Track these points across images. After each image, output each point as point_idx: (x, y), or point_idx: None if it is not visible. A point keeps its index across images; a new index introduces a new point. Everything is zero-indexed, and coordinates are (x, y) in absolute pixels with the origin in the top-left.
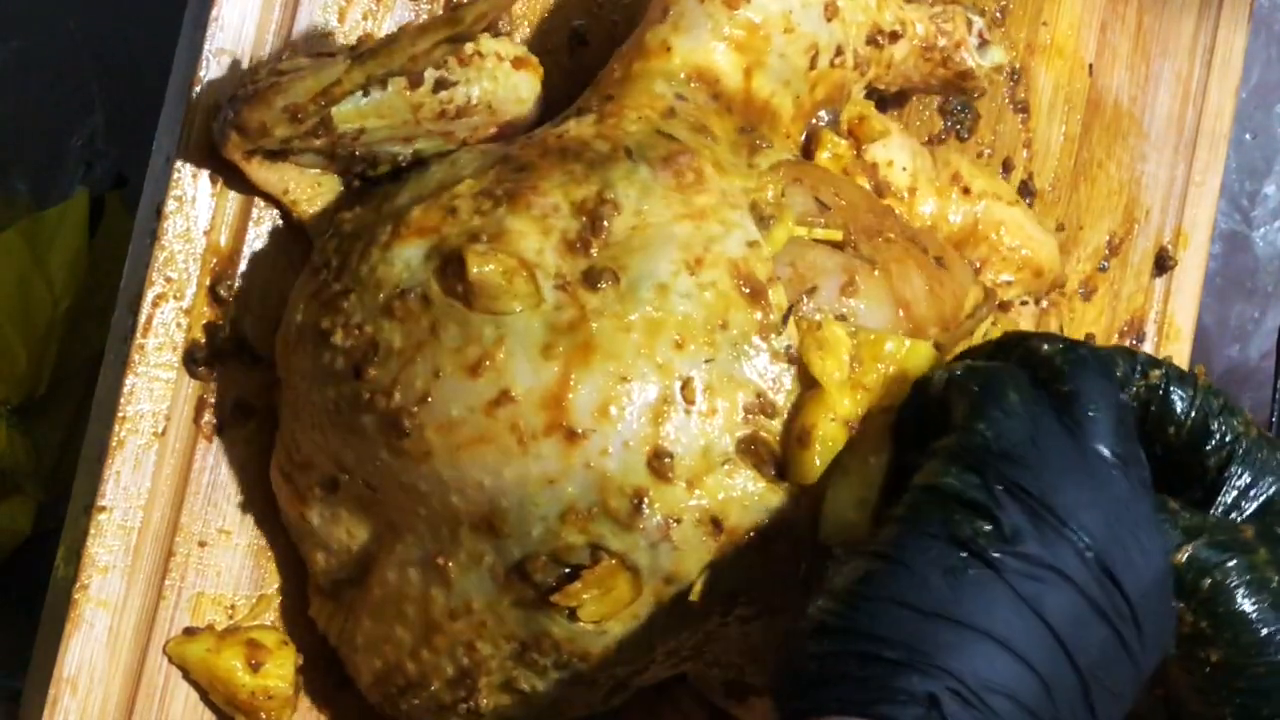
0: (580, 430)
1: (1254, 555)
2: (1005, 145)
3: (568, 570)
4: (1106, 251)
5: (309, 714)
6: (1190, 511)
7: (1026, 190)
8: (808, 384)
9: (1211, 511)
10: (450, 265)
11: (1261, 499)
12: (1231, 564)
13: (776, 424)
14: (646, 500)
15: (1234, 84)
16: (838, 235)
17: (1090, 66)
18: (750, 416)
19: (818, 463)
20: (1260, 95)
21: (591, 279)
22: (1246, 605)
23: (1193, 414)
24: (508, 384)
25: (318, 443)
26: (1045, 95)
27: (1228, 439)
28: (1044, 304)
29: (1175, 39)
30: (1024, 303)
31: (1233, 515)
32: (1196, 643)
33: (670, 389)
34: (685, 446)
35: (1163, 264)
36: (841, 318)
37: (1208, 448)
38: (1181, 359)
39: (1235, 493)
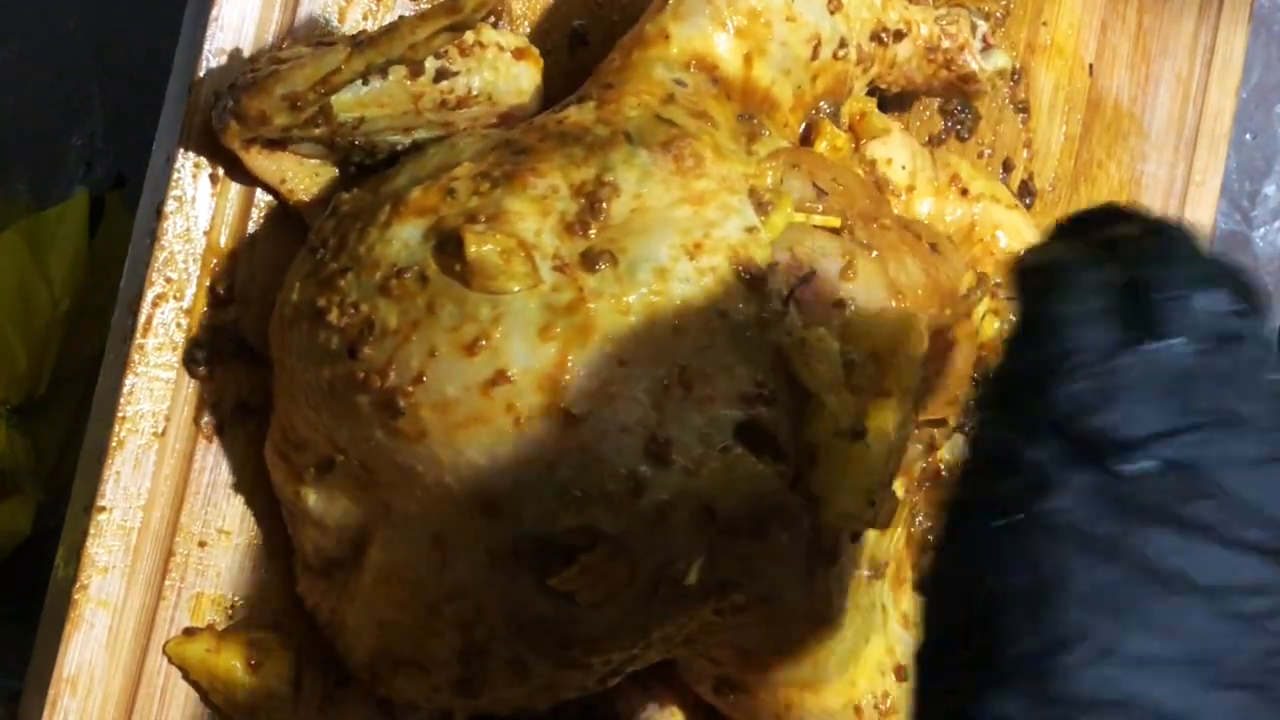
0: (577, 413)
1: None
2: (1005, 145)
3: (563, 553)
4: None
5: (309, 714)
6: None
7: (1027, 190)
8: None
9: None
10: (448, 244)
11: None
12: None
13: (775, 411)
14: (643, 484)
15: (1234, 84)
16: (835, 221)
17: (1090, 66)
18: (748, 404)
19: (828, 478)
20: (1260, 95)
21: (589, 261)
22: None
23: None
24: (504, 364)
25: (312, 422)
26: (1045, 95)
27: None
28: None
29: (1175, 39)
30: None
31: None
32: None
33: (670, 374)
34: (683, 432)
35: None
36: (840, 304)
37: None
38: None
39: None
